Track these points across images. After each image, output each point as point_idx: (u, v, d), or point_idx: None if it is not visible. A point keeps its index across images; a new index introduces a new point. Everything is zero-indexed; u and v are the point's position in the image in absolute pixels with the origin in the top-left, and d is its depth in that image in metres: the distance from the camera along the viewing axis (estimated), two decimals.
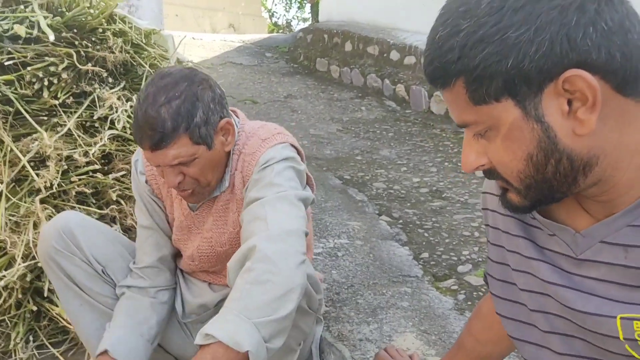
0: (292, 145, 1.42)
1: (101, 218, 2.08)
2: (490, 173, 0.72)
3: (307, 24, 8.88)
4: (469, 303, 1.86)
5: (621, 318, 0.68)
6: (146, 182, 1.51)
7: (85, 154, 2.04)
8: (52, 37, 1.91)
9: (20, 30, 1.86)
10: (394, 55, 5.11)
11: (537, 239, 0.80)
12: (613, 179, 0.67)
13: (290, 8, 16.12)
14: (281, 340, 1.10)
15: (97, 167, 2.02)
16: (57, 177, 1.97)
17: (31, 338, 2.01)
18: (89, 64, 2.13)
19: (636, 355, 0.69)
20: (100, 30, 2.24)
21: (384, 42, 5.25)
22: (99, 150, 2.09)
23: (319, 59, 6.22)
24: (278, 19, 15.73)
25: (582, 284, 0.73)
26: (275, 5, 17.26)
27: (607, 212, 0.70)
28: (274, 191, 1.28)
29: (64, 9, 2.19)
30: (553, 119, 0.63)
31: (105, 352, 1.38)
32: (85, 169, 2.03)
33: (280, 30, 13.93)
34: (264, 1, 14.79)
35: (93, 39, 2.22)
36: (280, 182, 1.30)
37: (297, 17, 15.78)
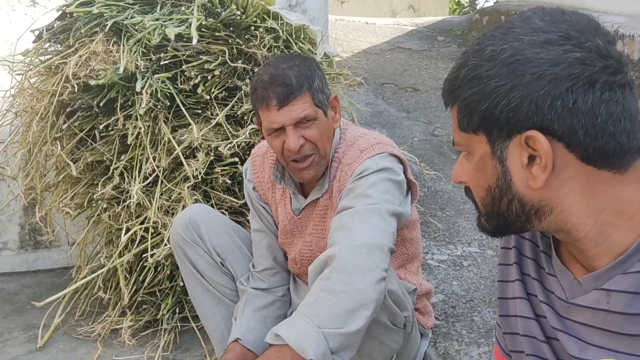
0: (393, 155, 1.39)
1: (243, 206, 2.23)
2: (468, 191, 0.81)
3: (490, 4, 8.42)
4: None
5: None
6: (253, 188, 1.60)
7: (230, 145, 2.19)
8: (195, 41, 2.08)
9: (170, 33, 2.06)
10: None
11: (545, 282, 0.84)
12: (577, 232, 0.72)
13: None
14: (350, 353, 1.12)
15: (236, 159, 2.16)
16: (203, 167, 2.17)
17: (177, 310, 2.25)
18: (239, 61, 2.28)
19: None
20: (253, 27, 2.38)
21: None
22: (245, 142, 2.24)
23: None
24: None
25: (572, 328, 0.77)
26: None
27: (587, 261, 0.75)
28: (365, 202, 1.27)
29: (219, 9, 2.35)
30: (513, 166, 0.72)
31: (236, 340, 1.52)
32: (230, 160, 2.19)
33: (465, 9, 13.37)
34: None
35: (246, 36, 2.36)
36: (372, 194, 1.28)
37: None
